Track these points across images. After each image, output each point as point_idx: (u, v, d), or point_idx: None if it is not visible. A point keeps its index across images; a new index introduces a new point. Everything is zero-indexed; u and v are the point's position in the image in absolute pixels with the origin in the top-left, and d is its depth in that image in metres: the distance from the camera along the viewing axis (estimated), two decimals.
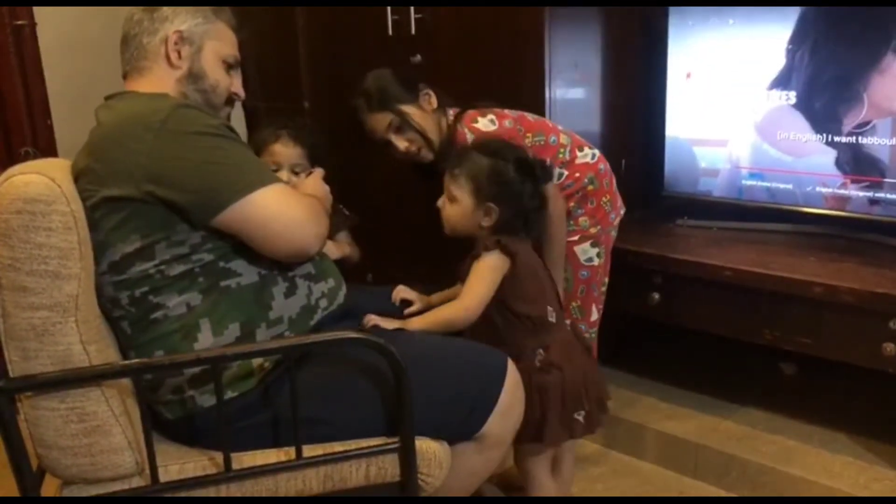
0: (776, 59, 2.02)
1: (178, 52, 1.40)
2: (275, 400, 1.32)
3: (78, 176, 1.26)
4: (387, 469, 1.32)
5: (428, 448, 1.33)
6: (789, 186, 2.08)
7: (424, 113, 1.75)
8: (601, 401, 1.61)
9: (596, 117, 2.23)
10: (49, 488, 1.25)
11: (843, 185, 1.99)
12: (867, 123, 1.91)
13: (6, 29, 2.26)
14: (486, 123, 1.71)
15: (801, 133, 2.02)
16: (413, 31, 2.21)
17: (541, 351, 1.53)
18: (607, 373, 2.13)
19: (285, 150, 1.73)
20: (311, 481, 1.30)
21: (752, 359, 2.26)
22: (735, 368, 2.30)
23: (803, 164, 2.04)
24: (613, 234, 1.88)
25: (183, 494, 1.25)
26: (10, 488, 1.20)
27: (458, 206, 1.55)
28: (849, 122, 1.94)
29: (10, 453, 1.16)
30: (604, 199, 1.84)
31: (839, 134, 1.96)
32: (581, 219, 1.82)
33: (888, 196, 1.92)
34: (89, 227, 1.22)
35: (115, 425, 1.21)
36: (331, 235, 1.66)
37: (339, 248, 1.79)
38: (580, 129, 1.86)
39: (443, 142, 1.76)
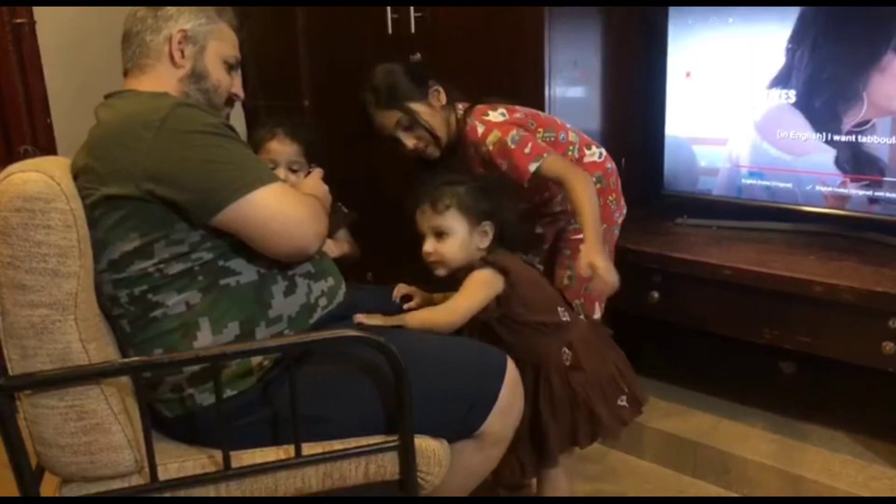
0: (776, 58, 2.02)
1: (182, 52, 1.39)
2: (274, 398, 1.32)
3: (77, 174, 1.26)
4: (386, 467, 1.32)
5: (427, 446, 1.33)
6: (789, 185, 2.08)
7: (433, 110, 1.73)
8: (635, 378, 1.61)
9: (596, 116, 2.23)
10: (48, 486, 1.25)
11: (843, 184, 1.99)
12: (867, 122, 1.91)
13: (5, 27, 2.26)
14: (496, 116, 1.71)
15: (801, 132, 2.02)
16: (413, 30, 2.21)
17: (566, 350, 1.54)
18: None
19: (281, 148, 1.73)
20: (311, 479, 1.30)
21: (752, 358, 2.26)
22: (734, 367, 2.30)
23: (803, 162, 2.04)
24: (617, 232, 1.88)
25: (182, 492, 1.25)
26: (9, 486, 1.20)
27: (452, 239, 1.53)
28: (848, 121, 1.94)
29: (9, 451, 1.16)
30: (610, 197, 1.84)
31: (839, 133, 1.96)
32: None
33: (888, 195, 1.92)
34: (88, 226, 1.22)
35: (114, 423, 1.21)
36: (330, 233, 1.65)
37: (338, 247, 1.79)
38: (580, 128, 1.86)
39: (452, 137, 1.76)
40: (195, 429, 1.32)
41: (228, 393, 1.28)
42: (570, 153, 1.79)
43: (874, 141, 1.91)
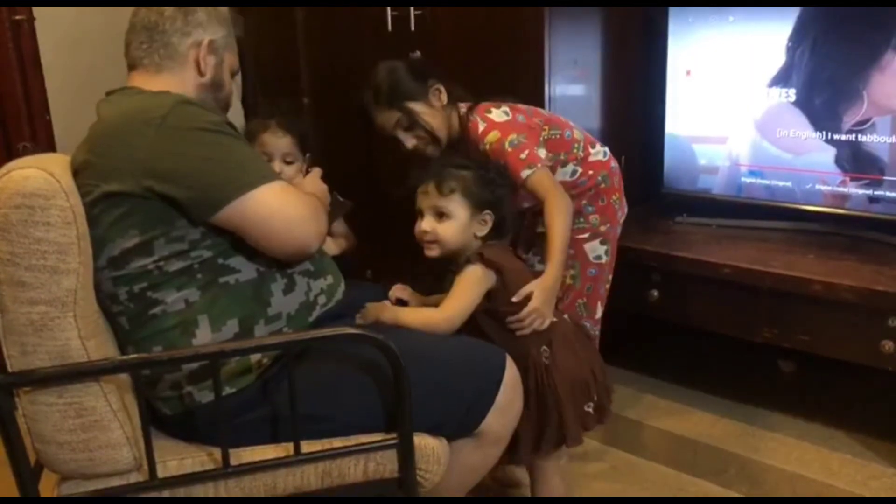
0: (776, 57, 2.02)
1: (206, 61, 1.40)
2: (273, 396, 1.31)
3: (77, 171, 1.26)
4: (385, 465, 1.32)
5: (426, 444, 1.33)
6: (789, 184, 2.08)
7: (433, 110, 1.73)
8: (607, 389, 1.61)
9: (596, 114, 2.23)
10: (47, 483, 1.24)
11: (843, 183, 1.99)
12: (867, 121, 1.91)
13: (4, 24, 2.25)
14: (499, 114, 1.70)
15: (801, 130, 2.02)
16: (412, 28, 2.21)
17: (545, 348, 1.53)
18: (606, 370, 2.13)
19: (275, 140, 1.71)
20: (310, 477, 1.30)
21: (751, 356, 2.27)
22: (734, 366, 2.31)
23: (803, 161, 2.04)
24: (619, 231, 1.88)
25: (181, 490, 1.25)
26: (8, 483, 1.19)
27: (451, 222, 1.53)
28: (848, 120, 1.94)
29: (8, 448, 1.16)
30: (613, 196, 1.84)
31: (839, 132, 1.96)
32: (592, 217, 1.82)
33: (887, 194, 1.92)
34: (88, 222, 1.22)
35: (113, 420, 1.21)
36: (329, 223, 1.65)
37: (337, 245, 1.79)
38: (580, 126, 1.85)
39: (453, 135, 1.75)
40: (194, 426, 1.31)
41: (227, 390, 1.27)
42: (575, 151, 1.79)
43: (874, 140, 1.91)
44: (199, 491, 1.26)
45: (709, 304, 1.96)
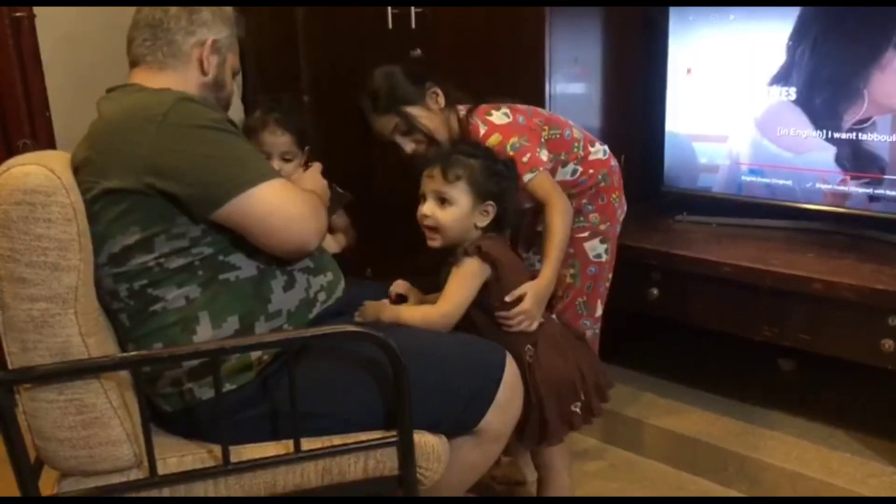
0: (777, 55, 2.02)
1: (209, 60, 1.41)
2: (273, 393, 1.32)
3: (78, 167, 1.26)
4: (385, 463, 1.32)
5: (426, 442, 1.33)
6: (789, 183, 2.08)
7: (431, 113, 1.71)
8: (600, 388, 1.61)
9: (596, 112, 2.23)
10: (47, 480, 1.25)
11: (843, 182, 1.99)
12: (867, 120, 1.91)
13: (5, 21, 2.25)
14: (499, 116, 1.70)
15: (802, 129, 2.02)
16: (413, 26, 2.20)
17: (530, 347, 1.53)
18: (606, 369, 2.12)
19: (273, 139, 1.71)
20: (310, 474, 1.30)
21: (751, 355, 2.27)
22: (734, 364, 2.30)
23: (803, 160, 2.04)
24: (618, 229, 1.88)
25: (181, 487, 1.25)
26: (8, 480, 1.19)
27: (454, 208, 1.52)
28: (849, 119, 1.94)
29: (8, 445, 1.16)
30: (613, 195, 1.84)
31: (839, 130, 1.96)
32: (592, 215, 1.81)
33: (888, 193, 1.92)
34: (89, 219, 1.22)
35: (113, 417, 1.21)
36: (328, 216, 1.65)
37: (337, 242, 1.79)
38: (580, 124, 1.85)
39: (453, 138, 1.75)
40: (194, 423, 1.32)
41: (228, 387, 1.28)
42: (575, 150, 1.78)
43: (874, 138, 1.91)
44: (199, 488, 1.26)
45: (709, 302, 1.96)
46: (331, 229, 1.80)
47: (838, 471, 1.79)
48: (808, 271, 1.77)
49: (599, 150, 1.82)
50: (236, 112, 1.80)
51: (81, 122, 1.34)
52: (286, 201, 1.29)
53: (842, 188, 1.99)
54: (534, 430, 1.52)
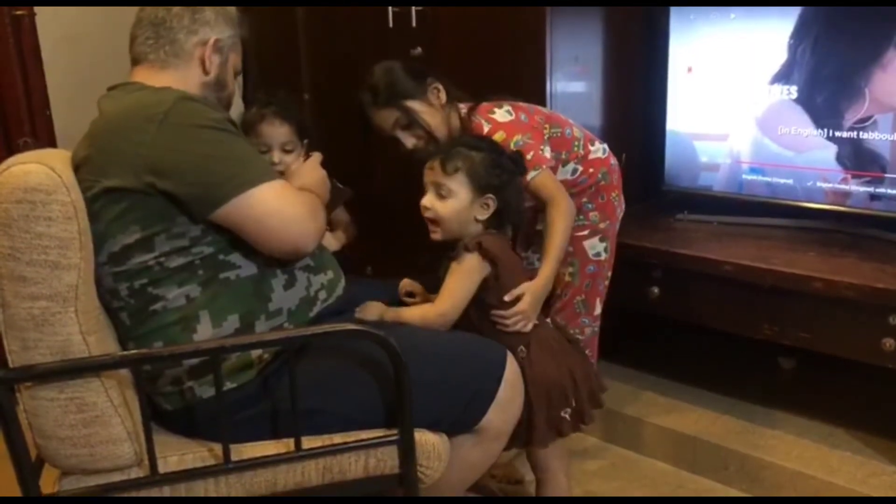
0: (778, 54, 2.02)
1: (211, 60, 1.41)
2: (274, 391, 1.32)
3: (78, 166, 1.26)
4: (386, 461, 1.32)
5: (427, 440, 1.33)
6: (790, 181, 2.08)
7: (432, 108, 1.70)
8: (593, 394, 1.59)
9: (597, 111, 2.23)
10: (48, 478, 1.25)
11: (844, 181, 1.98)
12: (868, 118, 1.91)
13: (5, 19, 2.25)
14: (502, 114, 1.69)
15: (802, 128, 2.02)
16: (414, 24, 2.20)
17: (523, 348, 1.52)
18: (606, 367, 2.13)
19: (271, 130, 1.70)
20: (311, 473, 1.30)
21: (752, 353, 2.27)
22: (734, 363, 2.31)
23: (804, 159, 2.04)
24: (617, 228, 1.88)
25: (182, 485, 1.25)
26: (9, 479, 1.20)
27: (453, 201, 1.51)
28: (850, 118, 1.93)
29: (9, 444, 1.16)
30: (613, 194, 1.83)
31: (840, 129, 1.96)
32: (592, 214, 1.81)
33: (889, 191, 1.91)
34: (89, 218, 1.22)
35: (114, 416, 1.21)
36: (328, 212, 1.64)
37: (337, 240, 1.79)
38: (581, 123, 1.85)
39: (455, 135, 1.74)
40: (195, 422, 1.32)
41: (228, 386, 1.27)
42: (575, 149, 1.78)
43: (875, 137, 1.91)
44: (199, 486, 1.26)
45: (709, 301, 1.96)
46: (331, 225, 1.80)
47: (839, 470, 1.79)
48: (809, 270, 1.77)
49: (599, 149, 1.82)
50: (237, 111, 1.80)
51: (82, 121, 1.34)
52: (285, 203, 1.28)
53: (843, 187, 1.99)
54: (520, 432, 1.50)
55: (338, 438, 1.31)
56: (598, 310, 1.85)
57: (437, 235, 1.55)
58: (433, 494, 1.42)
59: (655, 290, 2.03)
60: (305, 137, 1.76)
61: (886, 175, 1.91)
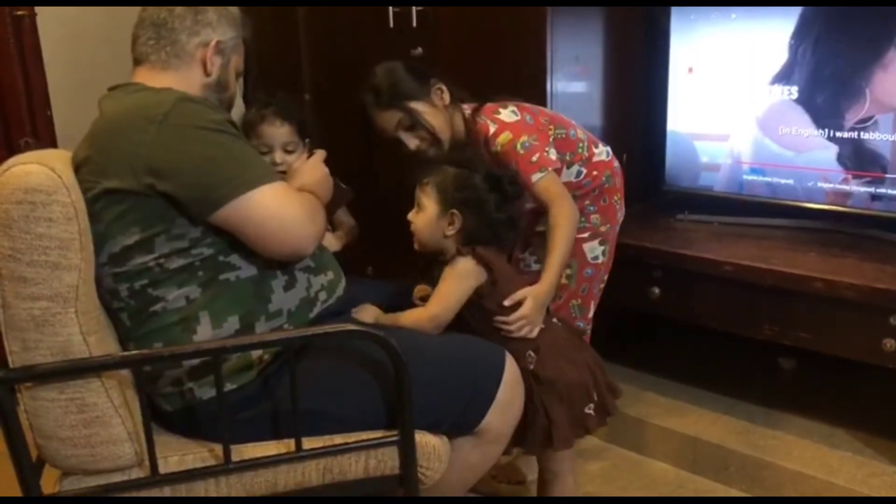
0: (778, 54, 2.02)
1: (212, 61, 1.40)
2: (274, 392, 1.32)
3: (79, 166, 1.26)
4: (386, 462, 1.32)
5: (427, 442, 1.33)
6: (790, 182, 2.08)
7: (435, 109, 1.69)
8: (611, 385, 1.59)
9: (597, 111, 2.23)
10: (48, 479, 1.25)
11: (845, 181, 1.98)
12: (869, 119, 1.91)
13: (6, 19, 2.25)
14: (508, 114, 1.67)
15: (803, 128, 2.02)
16: (414, 24, 2.20)
17: (531, 353, 1.51)
18: (606, 368, 2.12)
19: (272, 130, 1.70)
20: (311, 474, 1.30)
21: (752, 354, 2.27)
22: (734, 363, 2.31)
23: (805, 159, 2.04)
24: (617, 231, 1.87)
25: (182, 486, 1.25)
26: (9, 479, 1.20)
27: (423, 214, 1.54)
28: (851, 118, 1.93)
29: (9, 444, 1.16)
30: (615, 197, 1.83)
31: (841, 129, 1.96)
32: (593, 216, 1.80)
33: (889, 192, 1.91)
34: (89, 218, 1.22)
35: (114, 416, 1.21)
36: (330, 212, 1.64)
37: (338, 240, 1.79)
38: (581, 123, 1.85)
39: (458, 137, 1.73)
40: (195, 422, 1.32)
41: (228, 387, 1.27)
42: (580, 151, 1.77)
43: (876, 137, 1.90)
44: (200, 487, 1.26)
45: (710, 301, 1.96)
46: (333, 225, 1.80)
47: (839, 470, 1.79)
48: (810, 270, 1.77)
49: (603, 152, 1.82)
50: (239, 112, 1.80)
51: (83, 121, 1.34)
52: (284, 205, 1.28)
53: (843, 187, 1.99)
54: (537, 436, 1.50)
55: (338, 439, 1.31)
56: (591, 313, 1.85)
57: (415, 246, 1.57)
58: (433, 495, 1.42)
59: (656, 290, 2.03)
60: (307, 137, 1.75)
61: (887, 175, 1.91)
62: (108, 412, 1.20)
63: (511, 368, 1.42)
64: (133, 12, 1.43)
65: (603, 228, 1.81)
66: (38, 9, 2.35)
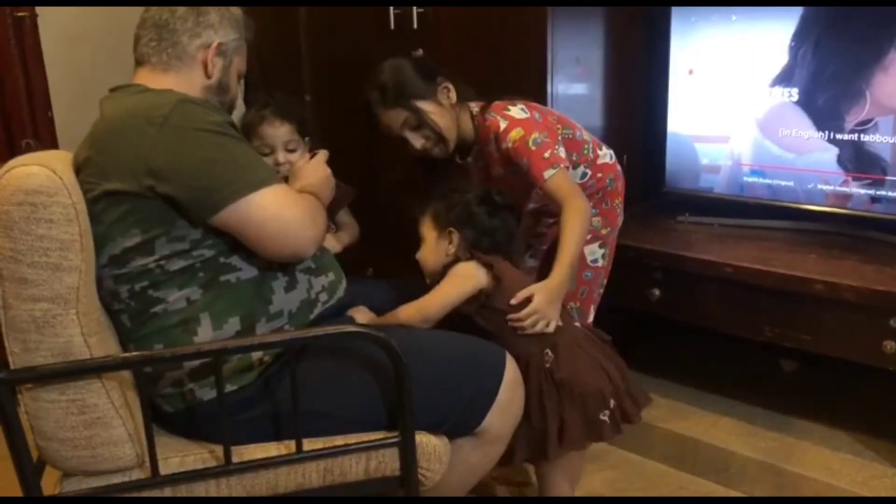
0: (779, 56, 2.02)
1: (213, 63, 1.40)
2: (275, 393, 1.32)
3: (79, 168, 1.26)
4: (387, 463, 1.32)
5: (428, 443, 1.33)
6: (791, 183, 2.08)
7: (442, 109, 1.68)
8: (634, 395, 1.56)
9: (598, 113, 2.23)
10: (49, 480, 1.25)
11: (845, 183, 1.98)
12: (869, 121, 1.91)
13: (7, 20, 2.25)
14: (518, 111, 1.66)
15: (803, 130, 2.02)
16: (415, 26, 2.20)
17: (548, 352, 1.50)
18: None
19: (272, 130, 1.69)
20: (311, 475, 1.30)
21: (753, 355, 2.27)
22: (735, 365, 2.30)
23: (805, 161, 2.04)
24: (616, 236, 1.87)
25: (183, 487, 1.26)
26: (10, 480, 1.20)
27: (425, 244, 1.59)
28: (851, 120, 1.93)
29: (10, 445, 1.16)
30: (617, 200, 1.83)
31: (841, 131, 1.96)
32: (595, 219, 1.79)
33: (889, 194, 1.91)
34: (90, 220, 1.22)
35: (115, 417, 1.21)
36: (332, 212, 1.64)
37: (339, 241, 1.78)
38: (582, 125, 1.85)
39: (465, 136, 1.72)
40: (196, 423, 1.32)
41: (229, 388, 1.28)
42: (585, 152, 1.77)
43: (876, 139, 1.91)
44: (200, 488, 1.26)
45: (710, 303, 1.96)
46: (335, 226, 1.80)
47: (839, 472, 1.79)
48: (810, 272, 1.77)
49: (606, 154, 1.82)
50: (240, 113, 1.80)
51: (84, 122, 1.34)
52: (284, 208, 1.28)
53: (843, 189, 1.99)
54: (553, 438, 1.48)
55: (339, 440, 1.31)
56: (590, 317, 1.84)
57: (427, 280, 1.60)
58: (434, 496, 1.42)
59: (656, 291, 2.03)
60: (307, 135, 1.75)
61: (887, 178, 1.91)
62: (108, 413, 1.20)
63: (511, 369, 1.42)
64: (134, 13, 1.43)
65: (604, 231, 1.81)
66: (39, 9, 2.35)
